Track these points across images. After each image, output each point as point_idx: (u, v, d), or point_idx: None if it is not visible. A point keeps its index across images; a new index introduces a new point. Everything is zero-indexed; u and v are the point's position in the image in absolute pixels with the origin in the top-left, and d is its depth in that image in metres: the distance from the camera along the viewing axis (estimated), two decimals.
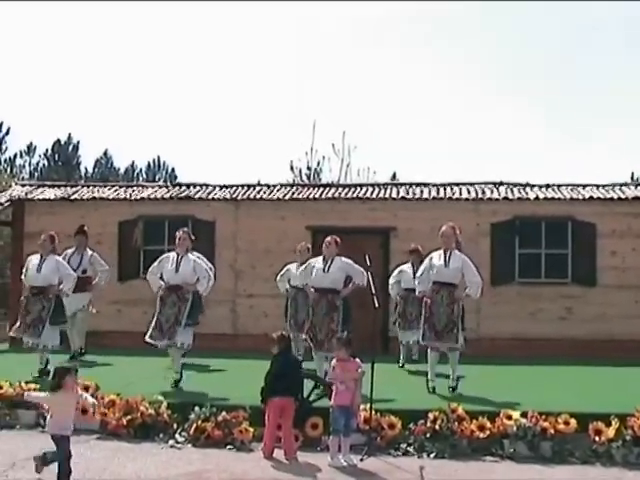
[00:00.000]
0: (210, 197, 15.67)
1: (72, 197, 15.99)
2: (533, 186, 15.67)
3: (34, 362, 10.67)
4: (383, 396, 8.52)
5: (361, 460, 7.49)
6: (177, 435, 8.27)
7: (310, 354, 10.34)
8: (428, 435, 8.03)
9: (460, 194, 15.30)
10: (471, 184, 15.87)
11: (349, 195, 15.53)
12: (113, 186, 17.22)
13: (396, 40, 60.31)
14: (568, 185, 15.70)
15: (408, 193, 15.49)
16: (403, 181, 18.18)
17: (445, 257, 9.86)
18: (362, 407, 7.91)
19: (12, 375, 9.76)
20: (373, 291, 8.68)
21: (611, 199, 14.92)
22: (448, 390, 9.68)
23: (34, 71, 69.94)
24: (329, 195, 15.55)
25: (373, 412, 7.96)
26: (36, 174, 46.58)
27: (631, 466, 7.62)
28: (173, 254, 10.23)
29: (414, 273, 11.49)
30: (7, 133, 47.45)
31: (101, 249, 13.87)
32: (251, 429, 8.06)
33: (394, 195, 15.44)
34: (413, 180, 16.63)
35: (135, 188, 16.75)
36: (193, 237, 10.54)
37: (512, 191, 15.38)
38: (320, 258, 10.17)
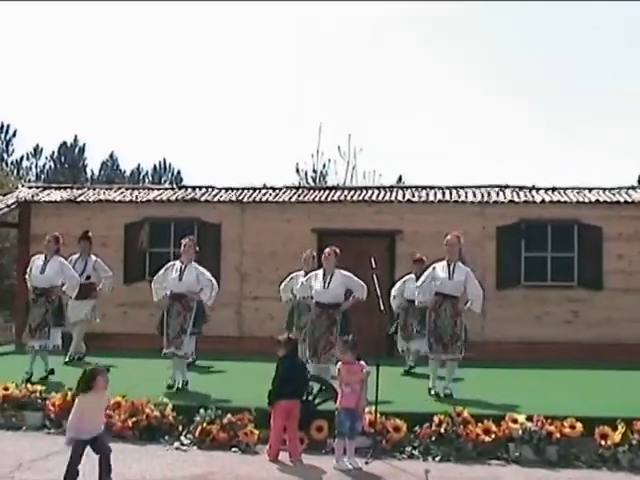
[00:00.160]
0: (216, 199, 15.67)
1: (78, 199, 16.01)
2: (539, 189, 15.66)
3: (40, 364, 10.68)
4: (388, 399, 8.51)
5: (366, 463, 7.48)
6: (182, 437, 8.27)
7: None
8: (433, 438, 8.02)
9: (466, 197, 15.29)
10: (477, 187, 15.86)
11: (355, 198, 15.52)
12: (119, 188, 17.24)
13: (396, 40, 60.26)
14: (574, 188, 15.68)
15: (414, 196, 15.48)
16: (409, 184, 18.20)
17: (449, 269, 9.84)
18: (367, 410, 7.91)
19: (18, 377, 9.77)
20: (379, 294, 8.68)
21: (617, 202, 14.89)
22: (444, 395, 9.65)
23: (41, 74, 70.18)
24: (335, 198, 15.56)
25: (378, 415, 7.96)
26: (42, 176, 46.71)
27: (637, 471, 7.59)
28: (178, 263, 10.25)
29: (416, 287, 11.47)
30: (14, 135, 47.69)
31: (107, 251, 13.89)
32: (256, 431, 8.06)
33: (400, 198, 15.43)
34: (419, 183, 16.65)
35: (141, 190, 16.79)
36: (198, 246, 10.55)
37: (518, 194, 15.37)
38: (320, 272, 10.13)
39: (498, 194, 15.41)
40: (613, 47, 60.44)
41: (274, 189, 16.32)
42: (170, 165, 52.05)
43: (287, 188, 16.66)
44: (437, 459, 7.83)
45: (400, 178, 34.32)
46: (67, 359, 12.47)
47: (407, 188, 16.46)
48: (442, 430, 8.03)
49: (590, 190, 15.56)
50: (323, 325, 9.87)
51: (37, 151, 49.00)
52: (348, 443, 7.44)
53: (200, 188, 16.42)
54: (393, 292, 12.13)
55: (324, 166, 30.44)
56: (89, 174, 49.41)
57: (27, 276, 11.11)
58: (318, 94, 63.14)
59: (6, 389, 9.04)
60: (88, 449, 6.48)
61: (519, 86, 62.07)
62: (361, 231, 14.80)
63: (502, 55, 62.96)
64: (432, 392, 9.80)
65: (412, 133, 57.57)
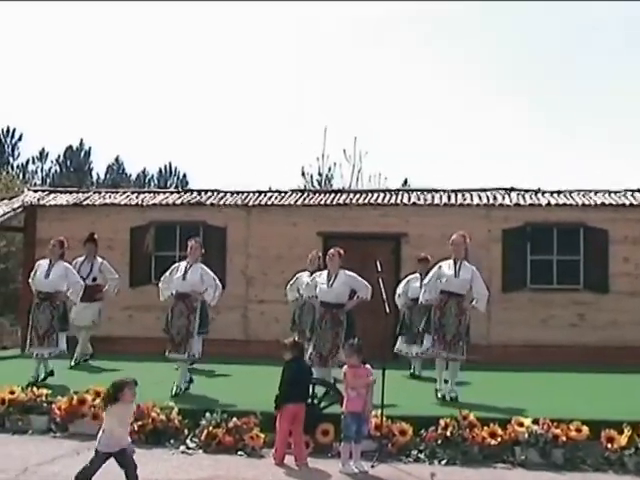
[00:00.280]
0: (221, 203, 15.68)
1: (84, 203, 16.04)
2: (545, 192, 15.65)
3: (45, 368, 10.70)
4: (394, 402, 8.50)
5: (372, 467, 7.48)
6: (188, 441, 8.27)
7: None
8: (439, 442, 8.01)
9: (472, 200, 15.28)
10: (482, 190, 15.85)
11: (360, 201, 15.53)
12: (125, 192, 17.27)
13: (396, 40, 60.20)
14: (580, 191, 15.66)
15: (419, 199, 15.48)
16: (414, 187, 18.18)
17: (455, 267, 9.84)
18: (373, 413, 7.90)
19: (24, 380, 9.78)
20: (384, 297, 8.67)
21: (623, 205, 14.87)
22: (440, 395, 9.64)
23: (46, 78, 70.37)
24: (340, 201, 15.57)
25: (384, 418, 7.95)
26: (48, 180, 46.76)
27: None
28: (183, 263, 10.28)
29: (421, 283, 11.46)
30: (20, 139, 47.79)
31: (112, 255, 13.91)
32: (262, 435, 8.06)
33: (405, 201, 15.43)
34: (424, 186, 16.65)
35: (147, 194, 16.81)
36: (203, 249, 10.57)
37: (524, 197, 15.36)
38: (325, 272, 10.16)
39: (504, 197, 15.40)
40: (613, 47, 60.28)
41: (280, 192, 16.32)
42: (176, 169, 52.13)
43: (293, 191, 16.67)
44: (443, 462, 7.82)
45: (406, 181, 34.31)
46: (73, 363, 12.52)
47: (412, 191, 16.45)
48: (448, 433, 8.02)
49: (596, 193, 15.54)
50: (328, 327, 9.87)
51: (43, 155, 49.10)
52: (354, 447, 7.44)
53: (206, 192, 16.44)
54: (398, 291, 12.14)
55: (330, 169, 30.46)
56: (95, 178, 49.48)
57: (31, 280, 11.12)
58: (321, 97, 63.25)
59: (12, 393, 9.05)
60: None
61: (519, 86, 62.07)
62: (367, 234, 14.81)
63: (502, 55, 62.88)
64: (439, 395, 9.78)
65: (416, 135, 57.65)
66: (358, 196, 15.92)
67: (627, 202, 14.96)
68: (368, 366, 7.66)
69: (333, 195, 16.09)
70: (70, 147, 49.77)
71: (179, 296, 10.11)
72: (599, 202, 14.96)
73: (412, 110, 60.31)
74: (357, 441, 7.44)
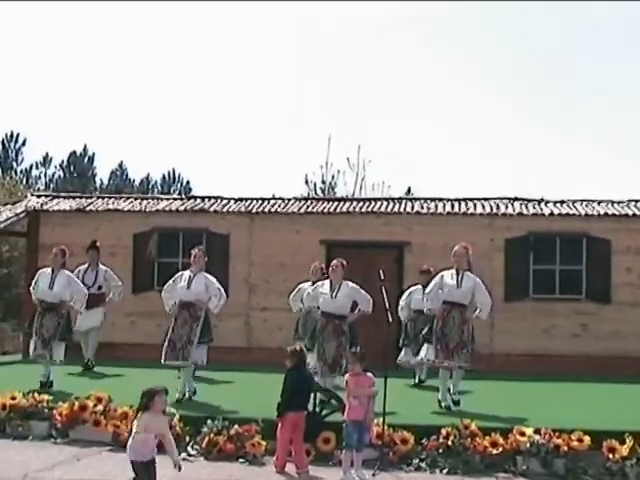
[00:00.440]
0: (225, 210, 15.69)
1: (87, 209, 16.06)
2: (548, 202, 15.66)
3: (40, 372, 10.71)
4: (396, 411, 8.49)
5: (373, 475, 7.47)
6: (189, 448, 8.26)
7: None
8: (441, 451, 8.00)
9: (475, 209, 15.29)
10: (485, 199, 15.86)
11: (364, 209, 15.54)
12: (128, 198, 17.29)
13: (396, 40, 60.15)
14: (583, 201, 15.68)
15: (423, 208, 15.49)
16: (418, 196, 18.20)
17: (458, 277, 9.84)
18: (375, 422, 7.89)
19: (25, 386, 9.79)
20: (387, 306, 8.68)
21: (626, 215, 14.88)
22: (444, 405, 9.63)
23: (51, 83, 70.47)
24: (344, 209, 15.58)
25: (386, 427, 7.95)
26: (51, 185, 46.81)
27: None
28: (187, 272, 10.30)
29: (423, 294, 11.45)
30: (23, 144, 47.87)
31: (115, 261, 13.93)
32: (263, 443, 8.05)
33: (409, 210, 15.44)
34: (428, 195, 16.66)
35: (150, 200, 16.84)
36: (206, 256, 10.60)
37: (527, 207, 15.37)
38: (327, 283, 10.17)
39: (507, 206, 15.41)
40: (613, 47, 60.18)
41: (283, 200, 16.34)
42: (179, 175, 52.16)
43: (296, 199, 16.69)
44: (444, 472, 7.81)
45: (409, 190, 34.28)
46: (86, 365, 12.68)
47: (416, 200, 16.47)
48: (449, 442, 8.01)
49: (599, 203, 15.55)
50: (331, 337, 9.88)
51: (46, 160, 49.15)
52: (355, 455, 7.42)
53: (209, 198, 16.46)
54: (401, 303, 12.11)
55: (333, 177, 30.48)
56: (98, 183, 49.50)
57: (32, 289, 11.11)
58: (324, 103, 63.28)
59: (13, 398, 9.04)
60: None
61: (519, 87, 61.94)
62: (370, 243, 14.81)
63: (502, 56, 62.71)
64: (442, 405, 9.76)
65: (419, 144, 57.54)
66: (361, 204, 15.93)
67: (630, 212, 14.97)
68: (370, 374, 7.65)
69: (336, 203, 16.10)
70: (74, 152, 49.84)
71: (183, 305, 10.13)
72: (602, 212, 14.98)
73: (414, 115, 60.26)
74: (358, 449, 7.43)
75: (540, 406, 9.98)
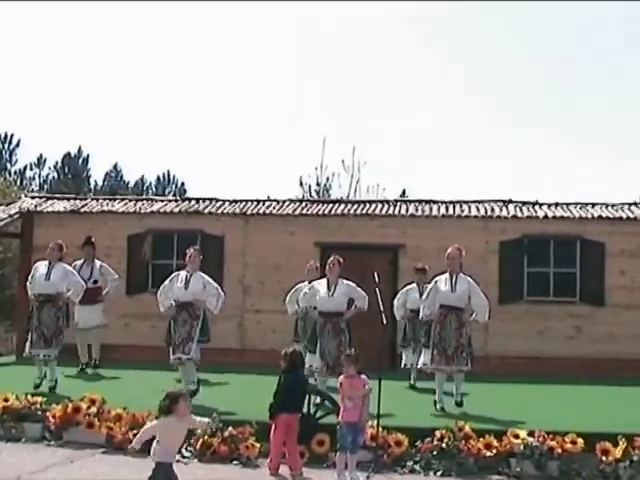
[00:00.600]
0: (219, 212, 15.68)
1: (81, 210, 16.04)
2: (542, 204, 15.68)
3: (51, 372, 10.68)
4: (390, 413, 8.50)
5: (367, 477, 7.47)
6: (183, 450, 8.22)
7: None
8: (435, 453, 8.01)
9: (469, 212, 15.30)
10: (480, 202, 15.87)
11: (358, 211, 15.54)
12: (122, 199, 17.27)
13: (396, 40, 60.12)
14: (577, 204, 15.70)
15: (417, 210, 15.50)
16: (412, 198, 18.21)
17: (451, 281, 9.85)
18: (369, 424, 7.89)
19: (18, 387, 9.76)
20: (381, 308, 8.68)
21: (620, 218, 14.90)
22: (454, 406, 9.64)
23: (45, 84, 70.35)
24: (338, 211, 15.58)
25: (380, 429, 7.94)
26: (46, 186, 46.69)
27: None
28: (183, 272, 10.29)
29: (420, 293, 11.49)
30: (17, 145, 47.70)
31: (110, 262, 13.88)
32: (257, 445, 8.05)
33: (403, 212, 15.45)
34: (422, 197, 16.66)
35: (144, 202, 16.81)
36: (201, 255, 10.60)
37: (521, 209, 15.39)
38: (324, 281, 10.20)
39: (501, 209, 15.42)
40: (613, 47, 60.22)
41: (278, 202, 16.33)
42: (174, 177, 52.07)
43: (291, 201, 16.68)
44: (438, 474, 7.81)
45: (404, 192, 34.31)
46: (93, 365, 12.79)
47: (410, 202, 16.46)
48: (444, 445, 8.02)
49: (593, 206, 15.58)
50: (331, 336, 9.95)
51: (40, 161, 49.01)
52: (350, 457, 7.42)
53: (204, 200, 16.44)
54: (395, 302, 12.12)
55: (328, 179, 30.52)
56: (92, 185, 49.39)
57: (28, 283, 11.08)
58: (320, 105, 63.23)
59: (6, 400, 9.01)
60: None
61: (519, 88, 61.99)
62: (364, 245, 14.81)
63: (500, 58, 62.74)
64: (438, 406, 9.77)
65: (413, 146, 57.51)
66: (356, 207, 15.93)
67: (624, 215, 15.00)
68: (364, 376, 7.65)
69: (331, 205, 16.10)
70: (68, 154, 49.71)
71: (181, 305, 10.13)
72: (596, 215, 15.00)
73: (408, 118, 60.28)
74: (353, 451, 7.43)
75: (534, 408, 9.99)
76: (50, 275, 10.78)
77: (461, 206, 15.65)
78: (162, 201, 16.96)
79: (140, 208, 16.05)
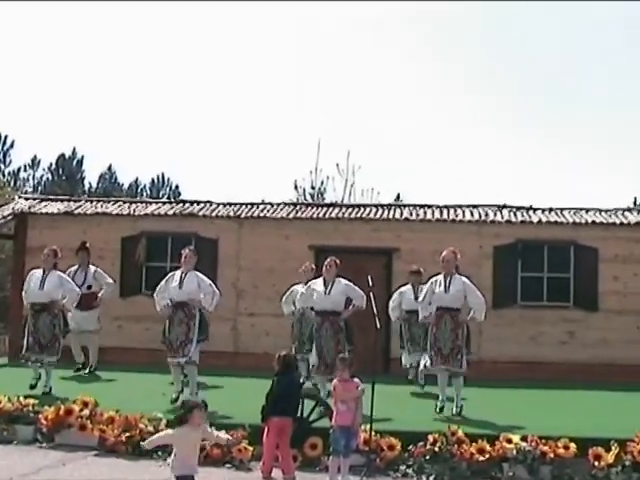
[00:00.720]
0: (214, 215, 15.68)
1: (75, 212, 16.01)
2: (536, 209, 15.70)
3: (31, 376, 10.64)
4: (383, 417, 8.49)
5: None
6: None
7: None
8: (427, 457, 8.01)
9: (463, 216, 15.32)
10: (474, 206, 15.89)
11: (352, 215, 15.55)
12: (116, 201, 17.25)
13: (397, 40, 60.13)
14: (571, 209, 15.73)
15: (411, 214, 15.51)
16: (407, 202, 18.23)
17: (445, 282, 9.86)
18: (362, 428, 7.88)
19: (10, 390, 9.74)
20: (375, 312, 8.69)
21: (613, 224, 14.93)
22: (451, 414, 9.62)
23: (40, 85, 70.30)
24: (333, 215, 15.58)
25: (373, 433, 7.94)
26: (40, 188, 46.61)
27: None
28: (178, 272, 10.29)
29: (415, 294, 11.53)
30: (11, 146, 47.58)
31: (103, 264, 13.88)
32: (250, 448, 8.05)
33: (397, 216, 15.46)
34: (417, 201, 16.68)
35: (139, 204, 16.78)
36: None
37: (515, 214, 15.41)
38: (320, 280, 10.24)
39: (495, 214, 15.44)
40: (614, 47, 60.28)
41: (272, 205, 16.33)
42: (168, 179, 52.02)
43: (285, 204, 16.69)
44: (431, 478, 7.82)
45: (398, 196, 34.39)
46: (88, 370, 12.73)
47: (405, 206, 16.48)
48: (436, 449, 8.02)
49: (587, 211, 15.60)
50: (329, 335, 9.99)
51: (35, 162, 48.91)
52: (342, 461, 7.41)
53: (198, 203, 16.43)
54: (391, 303, 12.13)
55: (322, 183, 30.57)
56: (87, 186, 49.32)
57: (24, 293, 11.04)
58: (316, 109, 63.31)
59: None
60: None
61: (512, 95, 62.08)
62: (358, 249, 14.81)
63: (502, 60, 62.83)
64: (438, 405, 9.75)
65: (408, 150, 57.62)
66: (350, 210, 15.94)
67: (617, 221, 15.03)
68: (357, 380, 7.65)
69: (325, 209, 16.11)
70: (62, 155, 49.63)
71: (177, 305, 10.13)
72: (590, 220, 15.03)
73: (403, 122, 60.34)
74: (345, 455, 7.42)
75: (527, 413, 9.99)
76: (44, 284, 10.75)
77: (455, 210, 15.66)
78: (156, 203, 16.94)
79: (134, 210, 16.03)
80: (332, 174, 30.19)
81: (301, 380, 10.08)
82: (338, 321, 10.04)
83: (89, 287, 12.67)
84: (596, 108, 59.39)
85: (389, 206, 16.62)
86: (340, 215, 15.57)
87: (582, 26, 60.07)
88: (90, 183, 50.07)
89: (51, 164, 49.47)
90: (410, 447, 8.12)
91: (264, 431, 7.69)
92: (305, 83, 62.82)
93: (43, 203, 16.77)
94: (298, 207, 16.44)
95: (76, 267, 12.77)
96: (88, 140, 65.23)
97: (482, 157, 57.42)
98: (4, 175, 44.10)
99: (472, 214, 15.43)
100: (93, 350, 12.96)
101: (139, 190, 50.21)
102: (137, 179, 51.07)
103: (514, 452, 7.90)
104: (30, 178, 48.80)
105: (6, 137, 47.34)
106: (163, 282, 10.38)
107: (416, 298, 11.28)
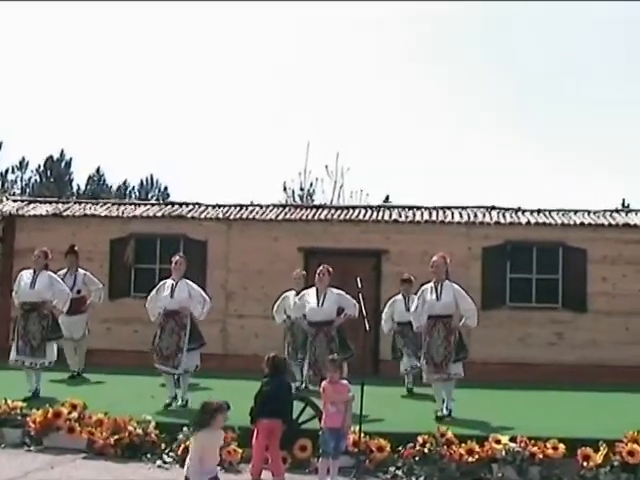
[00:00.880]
0: (202, 216, 15.65)
1: (63, 214, 15.95)
2: (525, 211, 15.73)
3: (21, 379, 10.55)
4: (372, 418, 8.49)
5: None
6: (165, 455, 8.23)
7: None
8: (417, 458, 8.02)
9: (452, 218, 15.33)
10: (463, 208, 15.91)
11: (342, 217, 15.54)
12: (105, 203, 17.20)
13: (396, 40, 60.15)
14: (559, 210, 15.77)
15: (400, 216, 15.51)
16: (395, 204, 18.23)
17: (437, 290, 9.84)
18: (351, 429, 7.88)
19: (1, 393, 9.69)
20: (364, 314, 8.69)
21: (602, 225, 14.98)
22: (440, 416, 9.61)
23: (28, 86, 70.15)
24: (322, 217, 15.57)
25: (362, 435, 7.94)
26: (28, 190, 46.54)
27: None
28: (169, 280, 10.29)
29: (406, 305, 11.48)
30: None
31: (92, 267, 13.83)
32: (239, 450, 8.04)
33: (386, 218, 15.46)
34: (406, 203, 16.68)
35: (127, 206, 16.75)
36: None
37: (504, 215, 15.43)
38: (313, 291, 10.25)
39: (484, 215, 15.46)
40: (613, 49, 60.49)
41: (261, 207, 16.31)
42: (157, 181, 52.05)
43: (274, 206, 16.67)
44: (421, 479, 7.82)
45: (387, 198, 34.42)
46: (75, 373, 12.63)
47: (394, 208, 16.48)
48: (426, 450, 8.03)
49: (575, 212, 15.65)
50: (322, 344, 10.02)
51: (23, 164, 48.86)
52: (332, 463, 7.41)
53: (187, 205, 16.41)
54: (383, 316, 12.09)
55: (311, 185, 30.56)
56: (75, 188, 49.26)
57: (15, 293, 10.98)
58: (305, 111, 63.38)
59: None
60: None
61: (501, 96, 62.29)
62: (347, 250, 14.81)
63: (501, 63, 62.98)
64: (437, 414, 9.69)
65: (397, 151, 57.76)
66: (339, 212, 15.93)
67: (606, 222, 15.07)
68: (346, 382, 7.65)
69: (314, 210, 16.10)
70: (51, 157, 49.60)
71: (168, 313, 10.14)
72: (578, 222, 15.07)
73: (392, 123, 60.48)
74: (335, 457, 7.42)
75: (516, 414, 10.01)
76: (35, 283, 10.70)
77: (444, 212, 15.68)
78: (145, 205, 16.91)
79: (123, 212, 15.99)
80: (321, 176, 30.21)
81: (295, 385, 10.18)
82: (331, 330, 10.08)
83: (78, 292, 12.61)
84: (585, 111, 59.73)
85: (378, 208, 16.61)
86: (329, 217, 15.56)
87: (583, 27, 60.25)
88: (78, 185, 50.07)
89: (39, 166, 49.44)
90: (399, 448, 8.13)
91: (253, 433, 7.68)
92: (294, 85, 62.91)
93: (31, 205, 16.70)
94: (287, 209, 16.43)
95: (65, 271, 12.69)
96: (76, 142, 65.47)
97: (471, 158, 57.60)
98: None
99: (461, 215, 15.45)
100: (80, 354, 12.89)
101: (128, 192, 50.18)
102: (126, 181, 51.09)
103: (503, 453, 7.93)
104: (18, 180, 48.78)
105: None
106: (154, 292, 10.38)
107: (407, 309, 11.23)
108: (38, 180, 48.98)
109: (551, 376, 13.74)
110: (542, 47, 59.62)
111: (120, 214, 15.88)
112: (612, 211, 15.94)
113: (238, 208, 16.10)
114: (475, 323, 10.00)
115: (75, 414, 8.69)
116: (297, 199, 29.85)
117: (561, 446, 7.96)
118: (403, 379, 12.01)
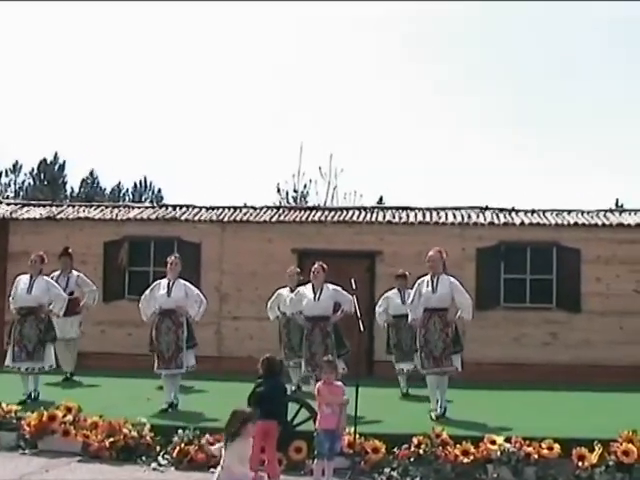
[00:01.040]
0: (196, 219, 15.64)
1: (57, 217, 15.93)
2: (519, 211, 15.75)
3: (15, 382, 10.53)
4: (367, 420, 8.49)
5: None
6: (160, 458, 8.22)
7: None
8: (412, 459, 8.03)
9: (446, 219, 15.35)
10: (457, 209, 15.93)
11: (335, 218, 15.54)
12: (99, 206, 17.18)
13: (392, 39, 60.18)
14: (553, 211, 15.79)
15: (394, 217, 15.53)
16: (389, 205, 18.24)
17: (433, 283, 9.87)
18: (346, 430, 7.88)
19: None
20: (358, 315, 8.69)
21: (596, 225, 15.00)
22: (434, 416, 9.62)
23: (21, 89, 69.88)
24: (315, 218, 15.57)
25: (357, 436, 7.94)
26: (21, 193, 46.40)
27: None
28: (164, 280, 10.28)
29: (401, 298, 11.53)
30: None
31: (86, 269, 13.81)
32: None
33: (380, 219, 15.47)
34: (399, 204, 16.69)
35: (121, 208, 16.73)
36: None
37: (498, 216, 15.45)
38: (309, 286, 10.27)
39: (478, 216, 15.48)
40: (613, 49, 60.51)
41: (255, 209, 16.30)
42: (151, 183, 51.87)
43: (268, 208, 16.66)
44: None
45: (381, 199, 34.47)
46: (68, 375, 12.61)
47: (387, 209, 16.49)
48: (421, 451, 8.03)
49: (569, 213, 15.67)
50: (318, 341, 10.04)
51: (16, 167, 48.67)
52: (327, 464, 7.41)
53: (180, 207, 16.39)
54: (377, 309, 12.12)
55: (305, 186, 30.57)
56: (69, 191, 49.13)
57: (11, 298, 10.96)
58: (298, 113, 63.26)
59: None
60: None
61: (495, 96, 62.33)
62: (341, 252, 14.80)
63: (501, 67, 63.02)
64: (433, 415, 9.70)
65: (391, 153, 57.69)
66: (333, 213, 15.93)
67: (600, 222, 15.10)
68: (340, 383, 7.65)
69: (308, 212, 16.10)
70: (44, 160, 49.40)
71: (164, 312, 10.13)
72: (572, 222, 15.09)
73: (385, 124, 60.43)
74: (330, 458, 7.42)
75: (511, 415, 10.02)
76: (32, 288, 10.70)
77: (438, 213, 15.70)
78: (139, 208, 16.89)
79: (117, 215, 15.97)
80: (315, 177, 30.21)
81: (292, 388, 10.18)
82: (327, 326, 10.09)
83: (71, 293, 12.59)
84: (585, 111, 59.78)
85: (372, 209, 16.61)
86: (323, 218, 15.56)
87: (583, 27, 60.37)
88: (72, 188, 49.88)
89: (33, 169, 49.25)
90: (394, 450, 8.13)
91: None
92: (289, 86, 62.87)
93: (25, 208, 16.67)
94: (281, 210, 16.44)
95: (58, 272, 12.69)
96: (70, 145, 65.21)
97: (467, 159, 57.60)
98: None
99: (455, 216, 15.47)
100: (72, 356, 12.86)
101: (121, 194, 50.04)
102: (119, 183, 50.93)
103: (498, 453, 7.93)
104: (12, 183, 48.58)
105: None
106: (148, 291, 10.37)
107: (403, 302, 11.29)
108: (32, 183, 48.81)
109: (546, 376, 13.76)
110: (542, 47, 59.60)
111: (114, 217, 15.86)
112: (606, 211, 15.96)
113: (232, 210, 16.10)
114: (470, 316, 10.01)
115: (70, 417, 8.68)
116: (291, 201, 29.87)
117: (556, 446, 7.97)
118: (397, 380, 12.02)
